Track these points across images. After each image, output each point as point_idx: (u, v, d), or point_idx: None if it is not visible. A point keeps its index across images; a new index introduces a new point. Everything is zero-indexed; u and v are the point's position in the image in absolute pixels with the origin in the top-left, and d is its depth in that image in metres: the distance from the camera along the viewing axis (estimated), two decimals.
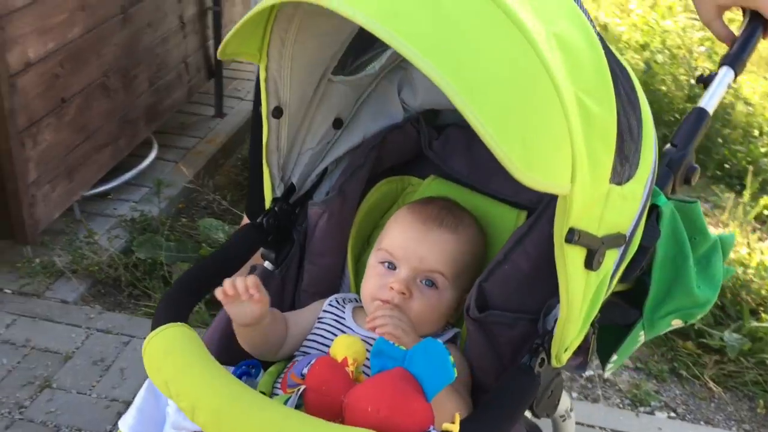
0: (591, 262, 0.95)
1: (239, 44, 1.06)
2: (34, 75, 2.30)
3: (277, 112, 1.17)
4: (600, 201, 0.94)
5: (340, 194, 1.24)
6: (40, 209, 2.44)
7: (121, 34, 2.75)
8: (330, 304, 1.21)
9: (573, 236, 0.89)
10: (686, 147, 1.12)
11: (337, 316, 1.18)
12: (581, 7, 0.97)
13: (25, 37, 2.24)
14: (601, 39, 1.12)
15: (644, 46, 4.09)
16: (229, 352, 1.15)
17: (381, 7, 0.82)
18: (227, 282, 1.06)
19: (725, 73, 1.19)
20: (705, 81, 1.18)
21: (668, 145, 1.12)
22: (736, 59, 1.21)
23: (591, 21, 0.99)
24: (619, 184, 0.98)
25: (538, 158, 0.81)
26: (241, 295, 1.05)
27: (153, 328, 1.02)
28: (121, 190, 2.93)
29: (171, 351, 0.97)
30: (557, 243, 0.90)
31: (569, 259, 0.91)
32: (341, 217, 1.25)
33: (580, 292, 0.96)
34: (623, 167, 0.99)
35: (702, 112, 1.14)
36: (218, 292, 1.06)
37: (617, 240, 1.01)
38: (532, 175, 0.79)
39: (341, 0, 0.83)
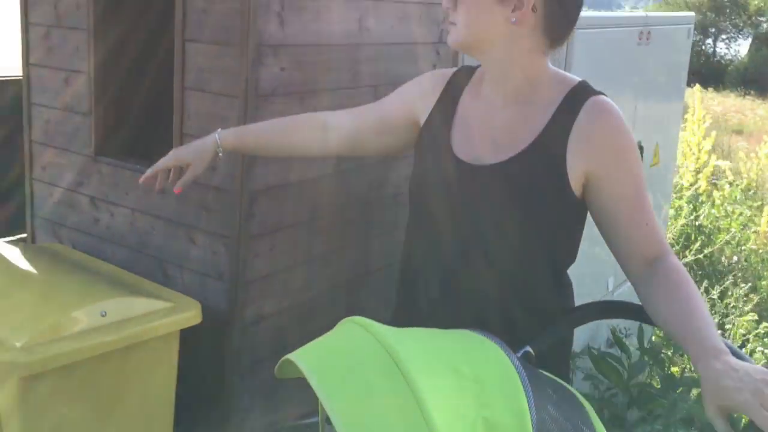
0: None
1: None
2: (264, 326, 2.95)
3: None
4: None
5: None
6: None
7: (349, 298, 3.34)
8: None
9: None
10: None
11: None
12: (528, 390, 1.18)
13: (264, 298, 2.92)
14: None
15: None
16: None
17: (329, 383, 1.15)
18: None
19: None
20: None
21: None
22: None
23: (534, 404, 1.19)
24: None
25: None
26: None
27: None
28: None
29: None
30: None
31: None
32: None
33: None
34: None
35: None
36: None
37: None
38: None
39: (319, 380, 1.18)
